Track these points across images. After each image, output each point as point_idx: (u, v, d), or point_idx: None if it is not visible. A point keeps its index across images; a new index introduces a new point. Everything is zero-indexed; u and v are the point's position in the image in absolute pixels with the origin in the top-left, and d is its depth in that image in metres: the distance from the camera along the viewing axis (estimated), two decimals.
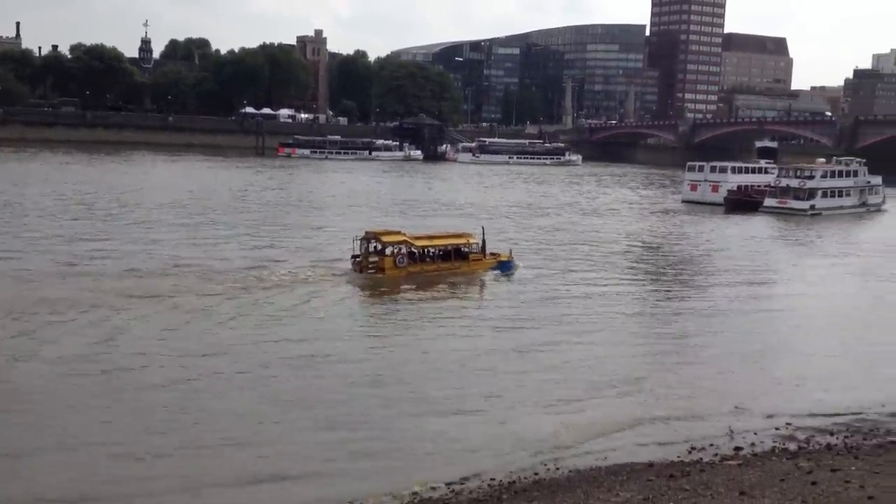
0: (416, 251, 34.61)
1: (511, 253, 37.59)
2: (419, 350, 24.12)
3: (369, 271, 33.76)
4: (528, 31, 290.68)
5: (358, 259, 34.09)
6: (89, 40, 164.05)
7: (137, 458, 15.97)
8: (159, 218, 49.81)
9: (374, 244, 34.32)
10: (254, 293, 30.12)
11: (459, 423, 18.42)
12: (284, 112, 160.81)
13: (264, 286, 31.22)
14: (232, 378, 20.75)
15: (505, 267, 36.30)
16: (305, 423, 18.17)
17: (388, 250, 33.96)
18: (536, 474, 15.78)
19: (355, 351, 23.84)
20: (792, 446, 17.74)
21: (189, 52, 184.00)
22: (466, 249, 35.99)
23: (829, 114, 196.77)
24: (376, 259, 34.01)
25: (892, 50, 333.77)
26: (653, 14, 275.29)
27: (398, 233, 35.73)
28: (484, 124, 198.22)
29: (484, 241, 36.86)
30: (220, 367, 21.57)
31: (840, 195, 72.69)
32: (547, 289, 33.50)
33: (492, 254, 36.97)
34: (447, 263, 35.21)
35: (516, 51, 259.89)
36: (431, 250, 35.38)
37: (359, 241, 34.33)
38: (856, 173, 76.10)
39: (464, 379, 21.53)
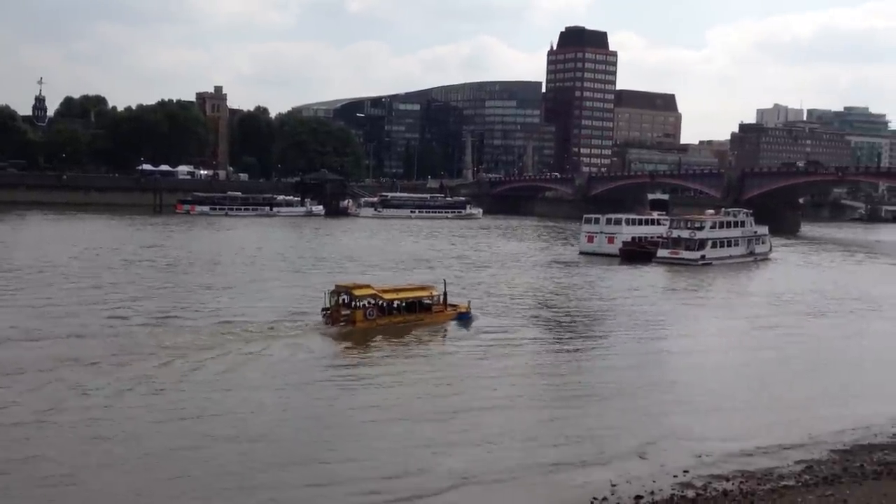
0: (384, 304, 35.94)
1: (469, 304, 39.33)
2: (367, 420, 23.79)
3: (340, 324, 34.74)
4: (428, 87, 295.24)
5: (328, 311, 35.10)
6: None
7: None
8: (50, 281, 48.38)
9: (344, 297, 35.44)
10: (234, 347, 30.83)
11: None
12: (183, 169, 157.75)
13: (244, 340, 31.91)
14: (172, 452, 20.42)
15: (464, 318, 38.11)
16: None
17: (359, 303, 34.74)
18: None
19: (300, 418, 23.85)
20: (690, 493, 18.33)
21: (85, 109, 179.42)
22: (429, 301, 37.90)
23: (716, 167, 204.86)
24: (348, 312, 35.09)
25: (774, 105, 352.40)
26: (548, 71, 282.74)
27: (367, 286, 37.08)
28: (385, 179, 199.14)
29: (445, 293, 38.60)
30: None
31: (729, 245, 75.51)
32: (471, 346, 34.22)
33: (451, 305, 38.65)
34: (412, 315, 36.84)
35: (417, 107, 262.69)
36: (397, 302, 36.73)
37: (329, 294, 35.47)
38: (743, 224, 79.23)
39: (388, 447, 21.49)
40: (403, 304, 36.87)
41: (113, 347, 30.45)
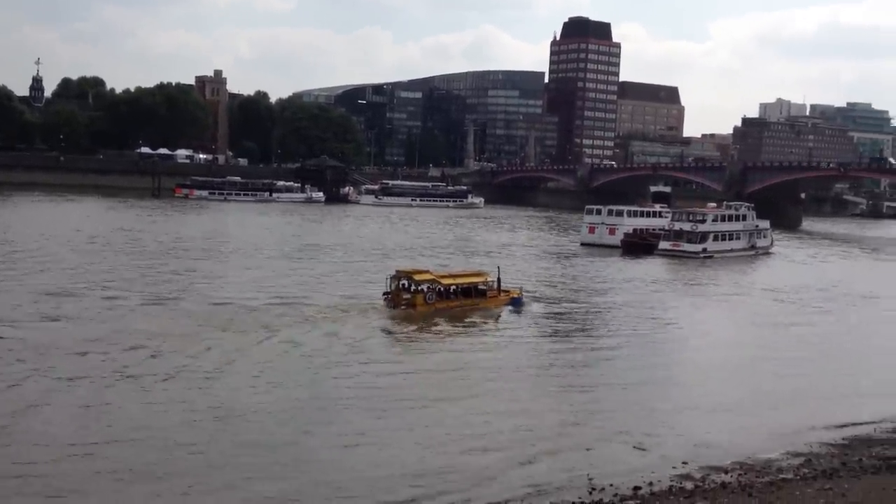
0: (442, 289, 37.65)
1: (521, 290, 40.68)
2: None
3: (402, 307, 36.41)
4: (431, 75, 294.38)
5: (389, 295, 36.93)
6: None
7: None
8: (55, 259, 48.08)
9: (404, 282, 37.14)
10: (313, 326, 32.89)
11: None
12: (182, 152, 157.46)
13: (319, 319, 33.98)
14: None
15: (516, 303, 39.71)
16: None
17: (419, 288, 36.65)
18: None
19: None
20: (688, 485, 18.10)
21: (83, 90, 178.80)
22: (484, 287, 39.55)
23: (719, 160, 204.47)
24: (408, 296, 36.76)
25: (777, 99, 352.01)
26: (551, 62, 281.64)
27: (427, 272, 38.96)
28: (387, 167, 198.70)
29: (499, 279, 40.30)
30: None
31: (730, 238, 75.25)
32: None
33: (504, 291, 40.16)
34: (468, 300, 38.47)
35: (419, 94, 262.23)
36: (454, 287, 38.40)
37: (390, 280, 37.34)
38: (745, 217, 78.98)
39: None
40: (460, 290, 38.41)
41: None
